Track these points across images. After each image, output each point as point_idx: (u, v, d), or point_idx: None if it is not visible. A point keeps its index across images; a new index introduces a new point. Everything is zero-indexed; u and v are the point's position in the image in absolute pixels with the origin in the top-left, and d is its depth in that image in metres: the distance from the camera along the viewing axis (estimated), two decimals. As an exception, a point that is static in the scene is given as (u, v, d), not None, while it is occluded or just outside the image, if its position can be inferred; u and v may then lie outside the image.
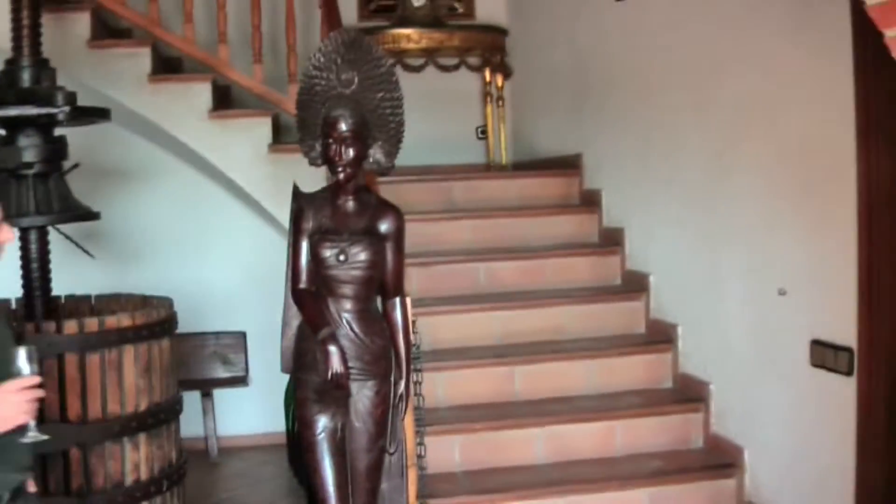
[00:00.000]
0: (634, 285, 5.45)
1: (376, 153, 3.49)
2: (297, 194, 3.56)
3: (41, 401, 2.57)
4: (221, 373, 6.74)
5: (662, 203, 5.20)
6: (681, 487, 4.54)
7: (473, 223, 5.73)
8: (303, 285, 3.48)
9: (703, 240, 4.81)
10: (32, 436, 2.63)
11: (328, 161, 3.42)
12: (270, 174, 5.83)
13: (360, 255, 3.40)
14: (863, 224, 3.75)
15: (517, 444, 4.66)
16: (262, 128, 5.89)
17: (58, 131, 4.75)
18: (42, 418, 2.66)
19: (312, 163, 3.55)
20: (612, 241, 5.73)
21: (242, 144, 5.84)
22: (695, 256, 4.89)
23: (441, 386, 4.75)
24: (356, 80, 3.43)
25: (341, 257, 3.39)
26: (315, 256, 3.42)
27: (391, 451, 3.56)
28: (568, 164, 6.26)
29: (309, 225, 3.46)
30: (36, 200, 4.62)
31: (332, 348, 3.31)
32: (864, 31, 3.59)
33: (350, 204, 3.47)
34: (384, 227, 3.47)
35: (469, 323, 5.14)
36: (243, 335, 6.84)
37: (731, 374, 4.65)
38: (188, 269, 6.63)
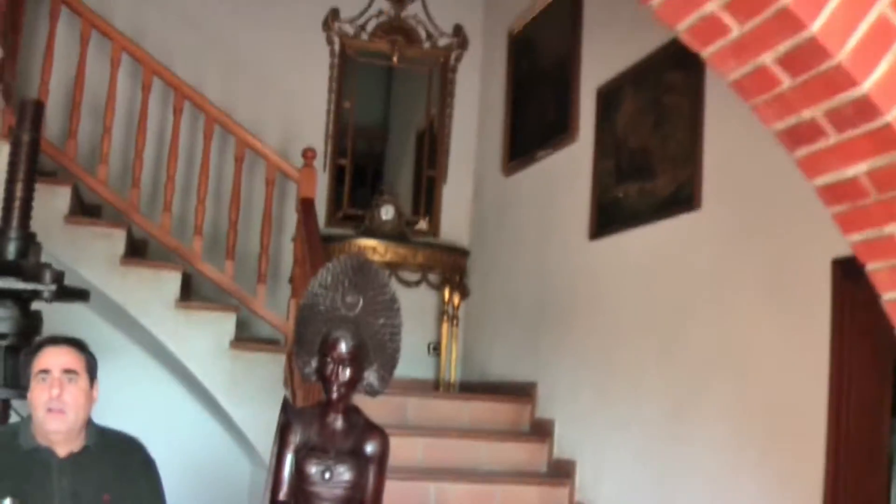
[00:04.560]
0: (583, 523, 5.47)
1: (370, 376, 3.54)
2: (286, 407, 3.59)
3: None
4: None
5: (619, 439, 5.27)
6: None
7: (426, 441, 5.74)
8: (282, 497, 3.45)
9: (659, 481, 4.87)
10: None
11: (323, 379, 3.46)
12: (229, 370, 5.88)
13: (345, 474, 3.41)
14: (829, 484, 3.83)
15: None
16: (226, 323, 5.96)
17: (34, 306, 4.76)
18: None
19: (305, 378, 3.59)
20: (561, 472, 5.74)
21: (205, 337, 5.90)
22: (651, 495, 4.94)
23: None
24: (360, 303, 3.52)
25: (326, 475, 3.39)
26: (299, 472, 3.41)
27: None
28: (520, 391, 6.33)
29: (296, 438, 3.46)
30: (6, 373, 4.56)
31: (309, 567, 3.30)
32: (843, 292, 3.81)
33: (339, 423, 3.49)
34: (370, 448, 3.49)
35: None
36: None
37: None
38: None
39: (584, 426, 5.68)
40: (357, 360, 3.46)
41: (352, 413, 3.54)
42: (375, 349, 3.54)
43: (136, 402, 6.47)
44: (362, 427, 3.53)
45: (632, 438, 5.18)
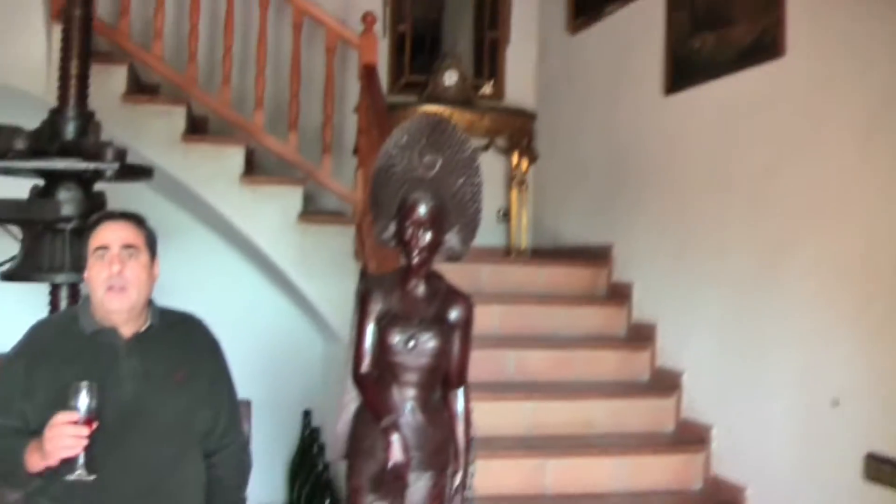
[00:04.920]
0: (665, 383, 5.34)
1: (452, 239, 3.37)
2: (365, 276, 3.45)
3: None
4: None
5: (703, 301, 5.11)
6: None
7: (502, 309, 5.61)
8: (366, 370, 3.32)
9: (747, 342, 4.72)
10: (78, 474, 2.60)
11: (403, 245, 3.30)
12: (297, 244, 5.76)
13: (430, 342, 3.27)
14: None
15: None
16: (292, 196, 5.82)
17: (97, 186, 4.63)
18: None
19: (383, 243, 3.42)
20: (641, 336, 5.62)
21: (272, 212, 5.76)
22: (737, 359, 4.79)
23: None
24: (439, 163, 3.33)
25: (410, 343, 3.26)
26: (382, 341, 3.28)
27: (444, 544, 3.42)
28: (596, 255, 6.17)
29: (377, 307, 3.31)
30: (72, 256, 4.42)
31: (395, 437, 3.16)
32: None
33: (420, 289, 3.34)
34: (454, 314, 3.35)
35: (498, 412, 4.99)
36: (248, 404, 6.67)
37: (770, 482, 4.52)
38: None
39: (664, 288, 5.52)
40: (437, 222, 3.29)
41: (433, 279, 3.38)
42: (456, 210, 3.36)
43: (203, 281, 6.42)
44: (445, 293, 3.37)
45: (716, 298, 5.01)
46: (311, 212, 6.04)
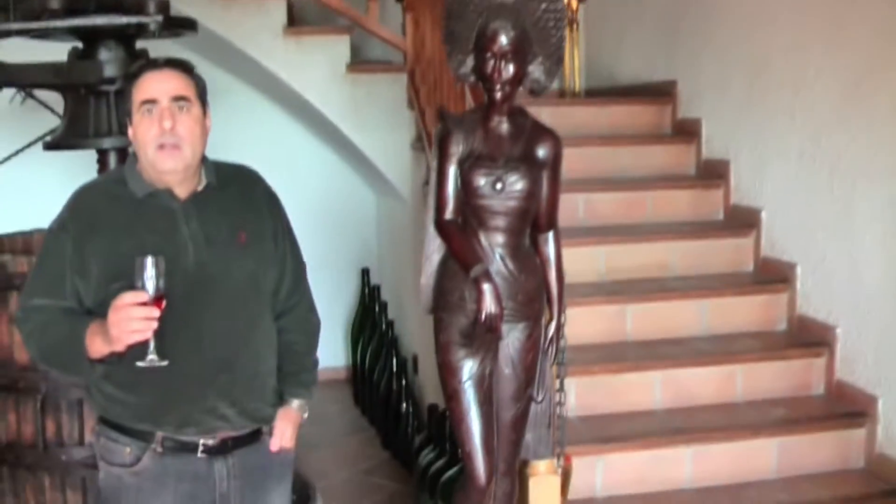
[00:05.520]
0: (742, 221, 5.09)
1: (535, 71, 3.10)
2: (443, 115, 3.17)
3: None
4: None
5: (780, 134, 4.81)
6: (808, 437, 4.22)
7: (568, 151, 5.33)
8: (449, 216, 3.08)
9: (832, 174, 4.44)
10: (150, 360, 2.32)
11: (484, 78, 3.03)
12: (348, 95, 5.53)
13: (518, 183, 3.03)
14: None
15: (635, 388, 4.33)
16: (339, 46, 5.57)
17: (139, 44, 4.37)
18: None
19: (462, 79, 3.16)
20: (713, 173, 5.36)
21: (319, 63, 5.52)
22: (821, 192, 4.51)
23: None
24: (518, -13, 3.04)
25: (497, 186, 3.02)
26: (466, 185, 3.03)
27: (539, 399, 3.24)
28: (658, 92, 5.86)
29: (458, 149, 3.05)
30: (118, 119, 4.16)
31: (487, 286, 2.94)
32: None
33: (504, 127, 3.08)
34: (542, 152, 3.11)
35: (572, 257, 4.71)
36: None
37: (862, 318, 4.30)
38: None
39: (736, 122, 5.22)
40: (520, 52, 3.02)
41: (518, 115, 3.13)
42: (538, 40, 3.10)
43: (248, 141, 6.11)
44: (531, 129, 3.13)
45: (794, 131, 4.73)
46: (360, 62, 5.77)
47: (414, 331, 5.72)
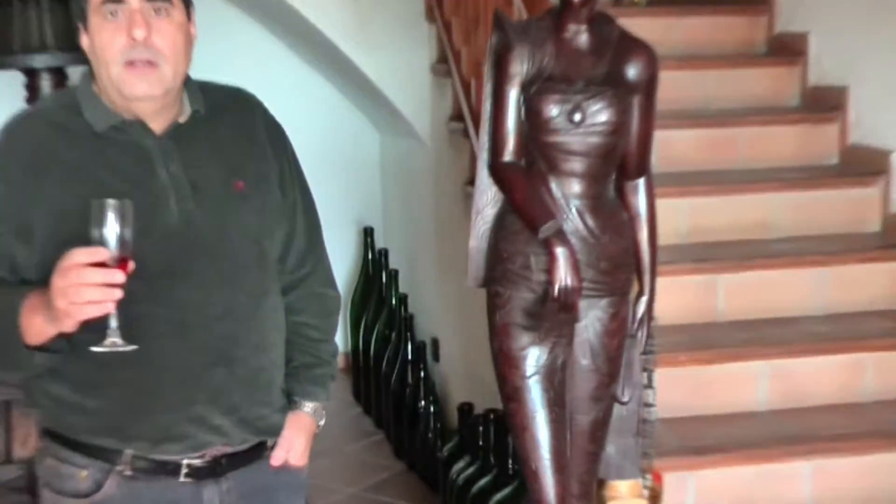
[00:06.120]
0: (864, 166, 4.97)
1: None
2: (501, 23, 2.98)
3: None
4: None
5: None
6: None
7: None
8: (509, 157, 2.93)
9: None
10: (111, 342, 2.06)
11: (554, -30, 2.89)
12: (351, 5, 5.46)
13: (602, 114, 2.88)
14: None
15: (732, 383, 4.22)
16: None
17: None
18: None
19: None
20: (824, 104, 5.24)
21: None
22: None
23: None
24: None
25: (575, 117, 2.86)
26: (533, 116, 2.89)
27: (625, 399, 3.10)
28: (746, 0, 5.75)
29: (522, 69, 2.90)
30: (52, 31, 4.17)
31: (561, 251, 2.79)
32: None
33: (583, 38, 2.94)
34: (634, 73, 2.95)
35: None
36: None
37: None
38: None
39: (856, 36, 5.11)
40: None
41: (602, 23, 3.00)
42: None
43: (213, 66, 6.03)
44: (618, 42, 2.99)
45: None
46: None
47: (434, 308, 5.68)
